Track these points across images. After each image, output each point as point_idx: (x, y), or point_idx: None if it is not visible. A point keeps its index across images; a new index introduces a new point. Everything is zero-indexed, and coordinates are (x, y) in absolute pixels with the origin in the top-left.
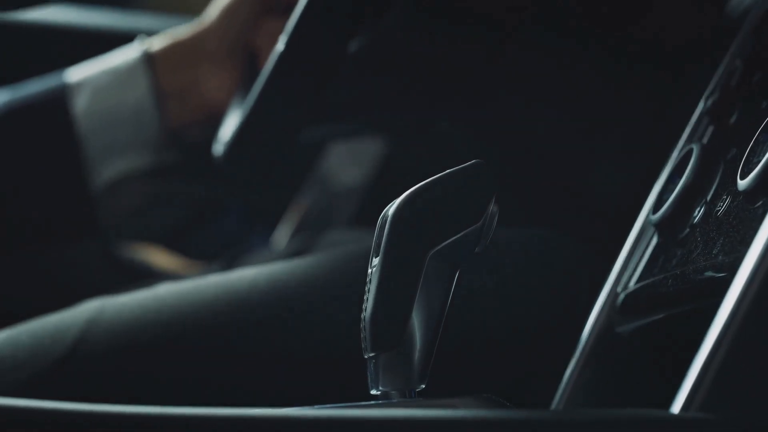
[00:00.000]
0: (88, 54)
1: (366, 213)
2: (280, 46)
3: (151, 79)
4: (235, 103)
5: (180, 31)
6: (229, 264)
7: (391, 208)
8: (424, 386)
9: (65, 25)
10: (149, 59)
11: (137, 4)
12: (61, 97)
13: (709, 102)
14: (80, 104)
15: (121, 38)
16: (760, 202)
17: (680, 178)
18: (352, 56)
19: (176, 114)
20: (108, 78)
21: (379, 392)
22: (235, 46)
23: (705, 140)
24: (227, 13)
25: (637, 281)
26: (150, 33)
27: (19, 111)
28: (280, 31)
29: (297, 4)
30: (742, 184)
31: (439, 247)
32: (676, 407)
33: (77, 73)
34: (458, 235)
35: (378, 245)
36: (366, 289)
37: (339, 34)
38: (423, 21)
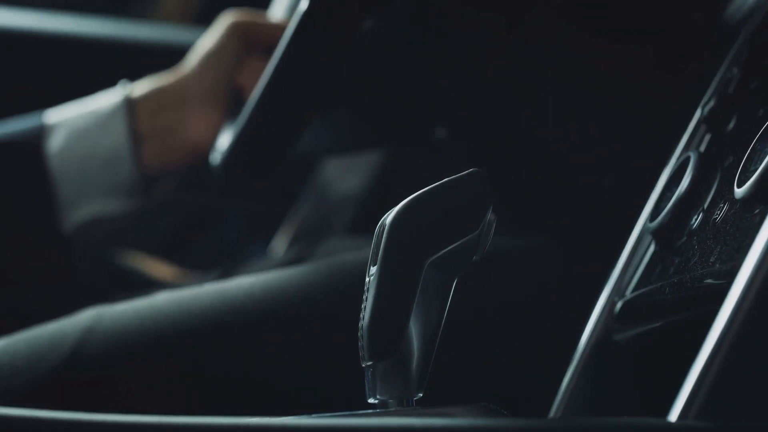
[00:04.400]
0: (83, 62)
1: (363, 221)
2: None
3: (129, 124)
4: (233, 113)
5: (161, 77)
6: (226, 273)
7: (389, 217)
8: (421, 395)
9: (64, 33)
10: (129, 105)
11: (137, 13)
12: (37, 137)
13: (707, 109)
14: (55, 145)
15: (120, 47)
16: (757, 210)
17: (677, 185)
18: (348, 66)
19: (153, 159)
20: (85, 121)
21: (376, 401)
22: (218, 89)
23: (702, 148)
24: (208, 60)
25: (635, 289)
26: (148, 42)
27: None
28: (262, 69)
29: (292, 19)
30: (739, 191)
31: (436, 255)
32: (674, 415)
33: (55, 115)
34: (455, 244)
35: (375, 254)
36: (363, 297)
37: (335, 45)
38: (419, 32)
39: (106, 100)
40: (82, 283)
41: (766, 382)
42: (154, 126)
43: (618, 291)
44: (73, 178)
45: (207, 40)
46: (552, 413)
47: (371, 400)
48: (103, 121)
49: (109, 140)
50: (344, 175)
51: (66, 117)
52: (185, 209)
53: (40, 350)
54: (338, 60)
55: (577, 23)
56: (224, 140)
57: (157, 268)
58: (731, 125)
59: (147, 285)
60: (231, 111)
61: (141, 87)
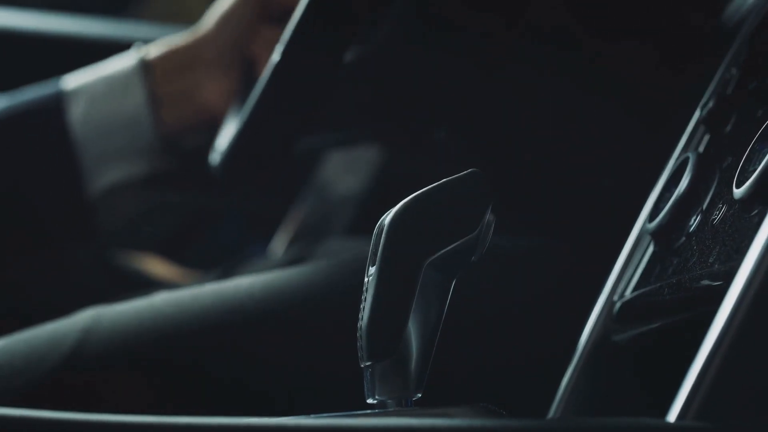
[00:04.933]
0: (84, 63)
1: (362, 222)
2: (276, 56)
3: (147, 86)
4: (232, 111)
5: (176, 38)
6: (226, 273)
7: (388, 217)
8: (420, 395)
9: (61, 34)
10: (145, 67)
11: (133, 13)
12: (57, 104)
13: (705, 110)
14: (76, 112)
15: (118, 47)
16: (756, 211)
17: (676, 186)
18: (349, 65)
19: (172, 121)
20: (104, 86)
21: (375, 401)
22: (232, 53)
23: (701, 149)
24: (224, 21)
25: (634, 290)
26: (147, 42)
27: (15, 118)
28: (277, 39)
29: (293, 14)
30: (737, 192)
31: (435, 256)
32: (673, 416)
33: (73, 81)
34: (454, 245)
35: (374, 254)
36: (362, 298)
37: (335, 44)
38: (418, 32)
39: (122, 63)
40: (82, 283)
41: (765, 382)
42: (172, 88)
43: (617, 291)
44: (96, 144)
45: (223, 2)
46: (551, 414)
47: (370, 401)
48: (121, 85)
49: (128, 105)
50: (344, 175)
51: (84, 83)
52: (185, 209)
53: (40, 350)
54: (339, 58)
55: (577, 23)
56: (223, 139)
57: (157, 267)
58: (730, 126)
59: (146, 285)
60: (243, 81)
61: (156, 49)
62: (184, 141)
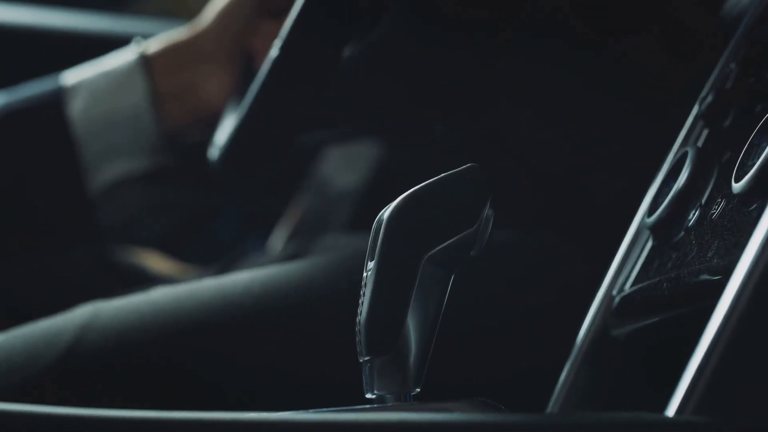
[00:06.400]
0: (83, 59)
1: (361, 217)
2: (275, 51)
3: (148, 82)
4: (231, 106)
5: (176, 33)
6: (225, 269)
7: (386, 212)
8: (419, 390)
9: (60, 29)
10: (145, 62)
11: (132, 8)
12: (58, 100)
13: (704, 105)
14: (77, 108)
15: (117, 42)
16: (755, 205)
17: (675, 181)
18: (347, 62)
19: (173, 116)
20: (104, 81)
21: (374, 396)
22: (232, 48)
23: (700, 143)
24: (223, 16)
25: (633, 284)
26: (146, 37)
27: (16, 114)
28: (276, 33)
29: (292, 9)
30: (736, 187)
31: (434, 251)
32: (671, 410)
33: (73, 77)
34: (453, 239)
35: (373, 249)
36: (361, 293)
37: (334, 40)
38: (418, 28)
39: (122, 58)
40: (81, 279)
41: (764, 376)
42: (172, 84)
43: (616, 286)
44: (98, 140)
45: None
46: (549, 408)
47: (369, 396)
48: (122, 81)
49: (129, 101)
50: (342, 170)
51: (84, 79)
52: (184, 205)
53: (38, 346)
54: (338, 53)
55: (575, 20)
56: (222, 135)
57: (155, 263)
58: (729, 120)
59: (145, 280)
60: (243, 76)
61: (155, 44)
62: (185, 136)
